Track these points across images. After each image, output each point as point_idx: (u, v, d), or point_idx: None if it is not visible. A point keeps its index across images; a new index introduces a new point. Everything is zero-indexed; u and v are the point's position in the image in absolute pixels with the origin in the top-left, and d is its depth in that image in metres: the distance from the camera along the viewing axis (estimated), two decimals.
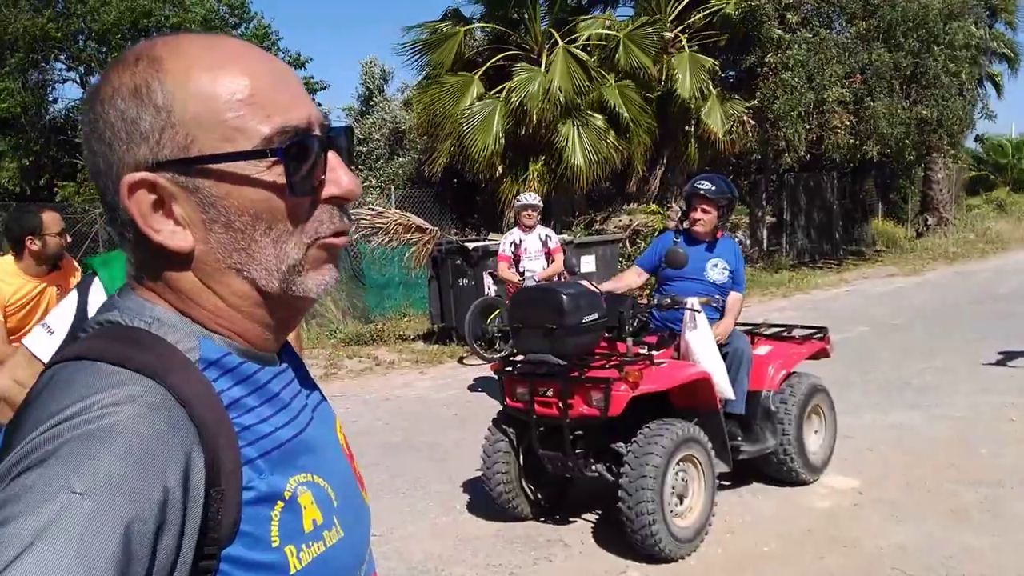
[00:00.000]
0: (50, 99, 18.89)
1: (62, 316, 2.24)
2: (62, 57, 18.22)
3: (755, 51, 16.80)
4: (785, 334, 5.71)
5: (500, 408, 4.97)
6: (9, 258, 4.34)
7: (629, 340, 4.78)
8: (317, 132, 0.84)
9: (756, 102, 16.61)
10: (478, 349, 9.73)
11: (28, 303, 4.26)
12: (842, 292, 15.36)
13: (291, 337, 0.99)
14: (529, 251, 8.13)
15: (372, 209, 11.35)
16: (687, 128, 16.34)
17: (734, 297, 5.29)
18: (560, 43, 14.91)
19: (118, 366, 0.74)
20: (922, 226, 24.33)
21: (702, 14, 16.63)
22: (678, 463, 4.38)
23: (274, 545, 0.77)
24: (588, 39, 15.84)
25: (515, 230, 8.33)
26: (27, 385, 2.47)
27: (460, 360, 10.37)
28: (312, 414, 0.92)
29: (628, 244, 14.26)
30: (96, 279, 2.26)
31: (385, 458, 6.24)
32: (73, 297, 2.26)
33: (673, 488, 4.35)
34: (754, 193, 20.87)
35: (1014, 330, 9.82)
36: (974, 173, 34.11)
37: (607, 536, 4.62)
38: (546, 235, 8.27)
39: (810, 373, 5.52)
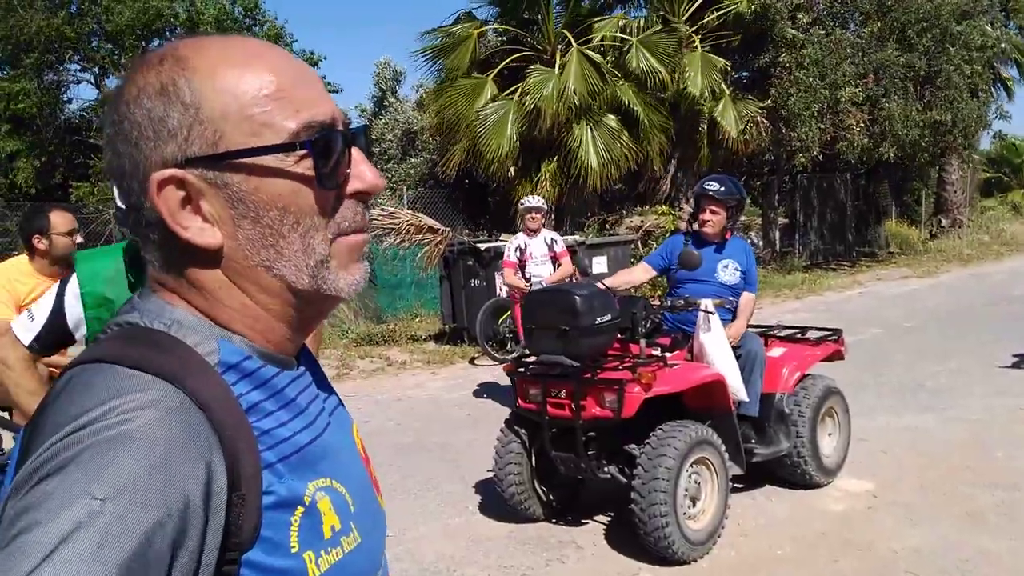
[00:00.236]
0: (65, 99, 19.01)
1: (43, 306, 2.36)
2: (76, 58, 18.32)
3: (768, 51, 16.76)
4: (799, 336, 5.68)
5: (512, 409, 4.96)
6: (24, 258, 4.37)
7: (642, 341, 4.76)
8: (341, 128, 0.84)
9: (770, 102, 16.57)
10: (490, 350, 9.73)
11: None
12: (855, 294, 15.29)
13: (309, 339, 0.99)
14: (535, 255, 7.90)
15: (384, 209, 11.35)
16: (701, 128, 16.30)
17: (746, 298, 5.26)
18: (574, 45, 14.90)
19: (137, 369, 0.74)
20: (936, 228, 24.21)
21: (716, 14, 16.59)
22: (691, 465, 4.37)
23: (293, 551, 0.77)
24: (602, 40, 15.83)
25: (520, 234, 8.13)
26: (7, 364, 2.54)
27: (472, 361, 10.38)
28: (329, 419, 0.91)
29: (640, 245, 14.24)
30: (75, 274, 2.34)
31: (397, 459, 6.25)
32: (54, 290, 2.36)
33: (686, 490, 4.34)
34: (767, 194, 20.80)
35: None
36: (988, 175, 33.91)
37: (619, 538, 4.61)
38: (552, 239, 8.03)
39: (824, 375, 5.49)
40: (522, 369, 4.75)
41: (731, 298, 5.20)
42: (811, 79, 15.93)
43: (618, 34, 16.01)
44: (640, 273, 5.55)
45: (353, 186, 0.85)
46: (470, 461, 6.01)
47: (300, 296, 0.84)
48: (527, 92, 14.45)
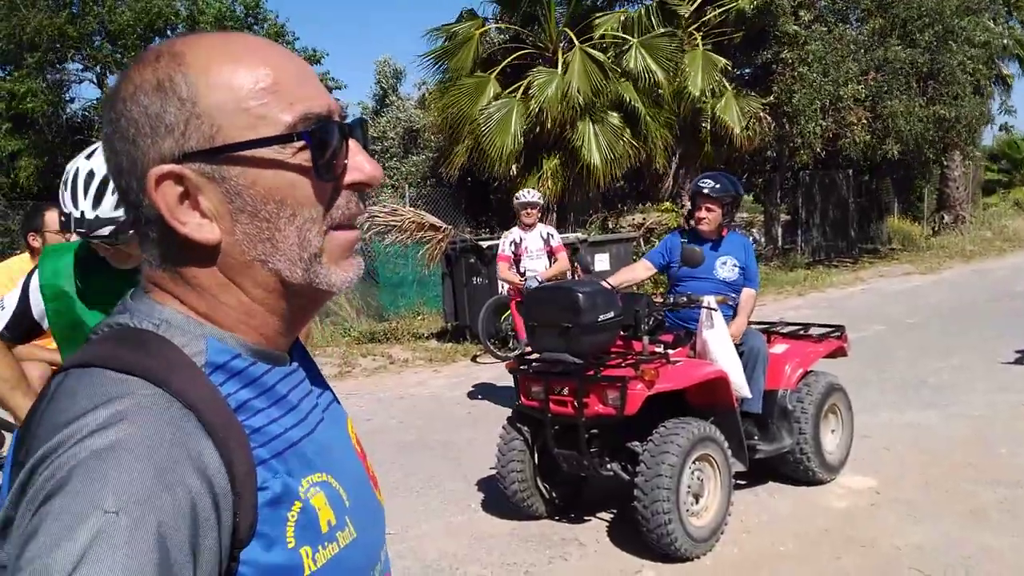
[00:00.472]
0: (67, 99, 19.02)
1: (12, 296, 2.42)
2: (78, 57, 18.33)
3: (770, 47, 16.73)
4: (802, 333, 5.67)
5: (514, 406, 4.96)
6: (26, 256, 4.42)
7: (645, 339, 4.75)
8: (337, 120, 0.84)
9: (772, 98, 16.54)
10: (492, 347, 9.72)
11: None
12: (858, 290, 15.27)
13: (301, 334, 0.99)
14: (530, 250, 7.86)
15: (386, 207, 11.35)
16: (703, 125, 16.29)
17: (747, 294, 5.25)
18: (576, 42, 14.88)
19: (124, 372, 0.74)
20: (938, 224, 24.17)
21: (718, 11, 16.56)
22: (694, 462, 4.36)
23: (290, 546, 0.77)
24: (603, 36, 15.80)
25: (515, 229, 8.05)
26: None
27: (474, 358, 10.38)
28: (322, 414, 0.91)
29: (642, 242, 14.23)
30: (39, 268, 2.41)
31: (399, 456, 6.25)
32: (22, 281, 2.42)
33: (689, 487, 4.34)
34: (769, 191, 20.78)
35: None
36: (992, 175, 33.83)
37: (622, 535, 4.61)
38: (548, 233, 8.00)
39: (827, 372, 5.49)
40: (524, 367, 4.75)
41: (732, 295, 5.19)
42: (814, 75, 15.91)
43: (619, 33, 15.98)
44: (641, 270, 5.55)
45: (352, 177, 0.85)
46: (472, 459, 6.01)
47: (293, 290, 0.84)
48: (531, 93, 14.44)
